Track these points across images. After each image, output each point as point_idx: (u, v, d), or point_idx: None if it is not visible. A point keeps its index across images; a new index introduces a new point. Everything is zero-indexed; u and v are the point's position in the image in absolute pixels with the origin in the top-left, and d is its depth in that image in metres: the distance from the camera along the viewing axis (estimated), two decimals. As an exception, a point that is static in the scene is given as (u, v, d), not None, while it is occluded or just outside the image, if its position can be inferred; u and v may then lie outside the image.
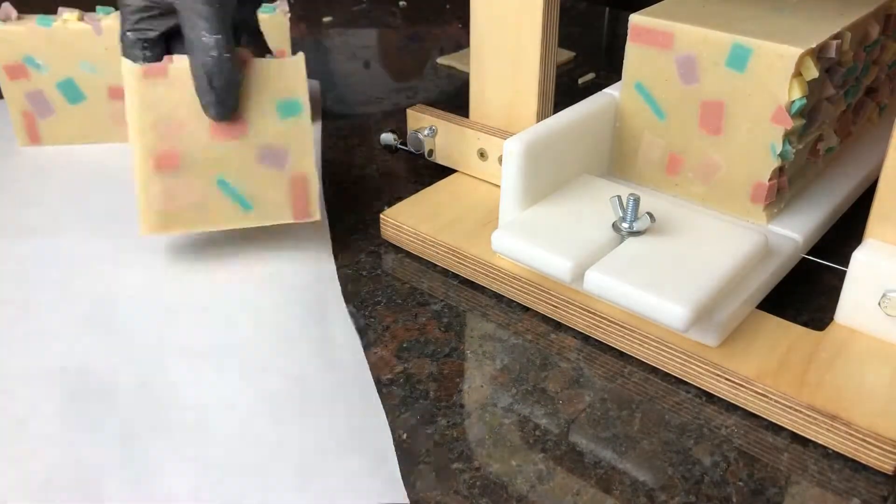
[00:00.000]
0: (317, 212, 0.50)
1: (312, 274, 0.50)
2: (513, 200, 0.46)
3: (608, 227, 0.44)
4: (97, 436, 0.38)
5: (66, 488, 0.35)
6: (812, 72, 0.43)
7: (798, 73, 0.43)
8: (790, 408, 0.38)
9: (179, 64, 0.46)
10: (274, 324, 0.45)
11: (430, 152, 0.58)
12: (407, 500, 0.35)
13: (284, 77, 0.47)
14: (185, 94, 0.46)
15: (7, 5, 0.61)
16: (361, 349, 0.44)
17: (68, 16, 0.61)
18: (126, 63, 0.46)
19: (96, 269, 0.50)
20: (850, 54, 0.47)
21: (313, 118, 0.69)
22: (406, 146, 0.59)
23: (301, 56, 0.47)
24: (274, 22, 0.65)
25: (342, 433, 0.38)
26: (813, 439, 0.38)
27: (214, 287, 0.48)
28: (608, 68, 0.84)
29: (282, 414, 0.39)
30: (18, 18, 0.61)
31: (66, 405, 0.40)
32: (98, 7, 0.63)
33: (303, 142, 0.48)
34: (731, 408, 0.40)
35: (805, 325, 0.43)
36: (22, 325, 0.45)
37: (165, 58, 0.46)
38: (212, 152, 0.47)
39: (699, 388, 0.41)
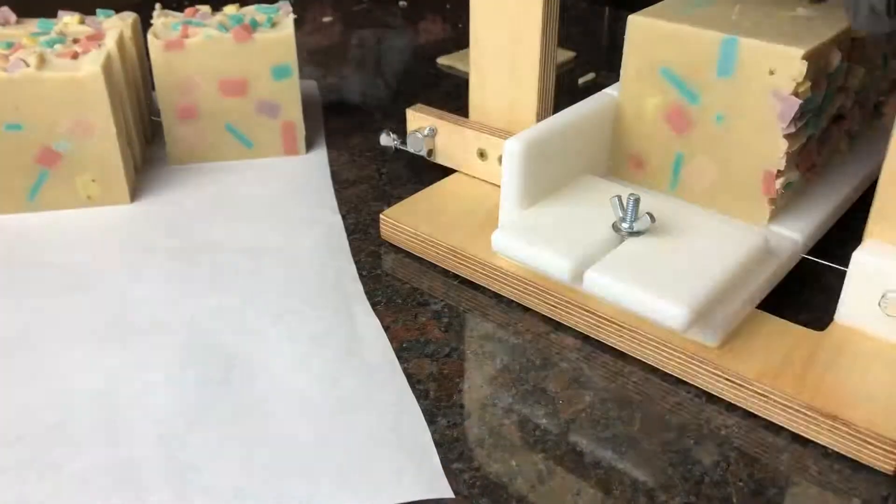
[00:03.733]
0: (302, 149, 0.64)
1: (334, 276, 0.50)
2: (513, 200, 0.46)
3: (608, 228, 0.44)
4: (134, 436, 0.38)
5: (104, 489, 0.36)
6: None
7: None
8: (790, 408, 0.38)
9: (193, 39, 0.57)
10: (301, 327, 0.45)
11: (430, 152, 0.58)
12: (452, 494, 0.36)
13: (278, 47, 0.59)
14: (198, 62, 0.58)
15: (6, 9, 0.61)
16: (391, 347, 0.44)
17: (69, 19, 0.61)
18: (151, 39, 0.57)
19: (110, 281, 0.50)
20: (806, 85, 0.43)
21: (313, 119, 0.70)
22: (405, 147, 0.59)
23: (291, 32, 0.59)
24: (278, 21, 0.65)
25: (381, 431, 0.39)
26: (813, 439, 0.38)
27: (239, 292, 0.48)
28: (608, 68, 0.84)
29: (318, 414, 0.40)
30: (17, 22, 0.61)
31: (100, 407, 0.40)
32: (98, 10, 0.63)
33: (292, 97, 0.61)
34: (731, 408, 0.40)
35: (805, 325, 0.43)
36: (50, 329, 0.45)
37: (181, 28, 0.58)
38: (221, 105, 0.60)
39: (699, 389, 0.41)
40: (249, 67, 0.59)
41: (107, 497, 0.35)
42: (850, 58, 0.49)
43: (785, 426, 0.39)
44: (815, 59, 0.43)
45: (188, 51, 0.57)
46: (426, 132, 0.58)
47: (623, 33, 0.49)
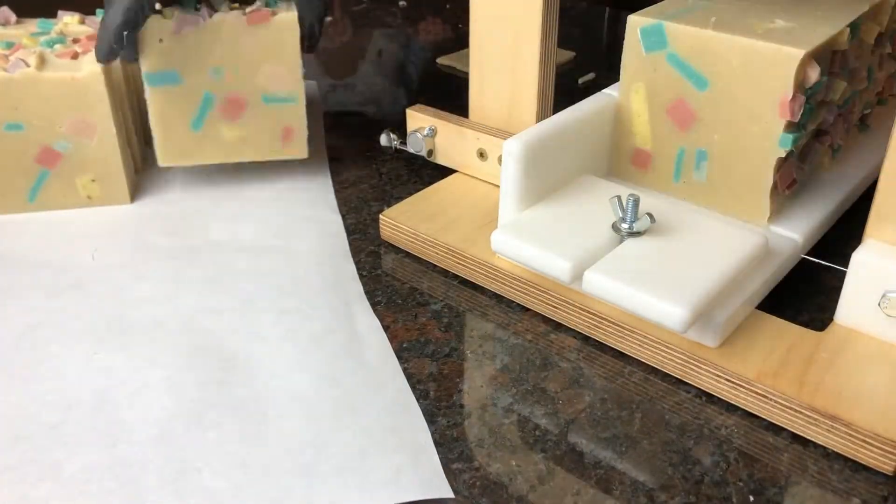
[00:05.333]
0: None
1: (334, 276, 0.50)
2: (512, 201, 0.46)
3: (608, 228, 0.44)
4: (134, 436, 0.38)
5: (104, 489, 0.36)
6: None
7: None
8: (790, 408, 0.38)
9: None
10: (301, 326, 0.46)
11: (430, 152, 0.58)
12: (451, 494, 0.36)
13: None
14: None
15: (6, 9, 0.61)
16: (391, 347, 0.44)
17: (69, 19, 0.61)
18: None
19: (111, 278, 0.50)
20: None
21: (314, 119, 0.69)
22: (405, 147, 0.59)
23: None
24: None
25: (381, 431, 0.39)
26: (813, 440, 0.38)
27: (239, 292, 0.49)
28: (608, 68, 0.84)
29: (318, 414, 0.40)
30: (17, 22, 0.61)
31: (100, 407, 0.40)
32: (98, 10, 0.62)
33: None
34: (731, 408, 0.40)
35: (805, 325, 0.43)
36: (50, 329, 0.45)
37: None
38: None
39: (699, 389, 0.41)
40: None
41: (107, 497, 0.35)
42: (831, 71, 0.47)
43: (785, 426, 0.39)
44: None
45: None
46: (426, 132, 0.58)
47: (623, 33, 0.49)
